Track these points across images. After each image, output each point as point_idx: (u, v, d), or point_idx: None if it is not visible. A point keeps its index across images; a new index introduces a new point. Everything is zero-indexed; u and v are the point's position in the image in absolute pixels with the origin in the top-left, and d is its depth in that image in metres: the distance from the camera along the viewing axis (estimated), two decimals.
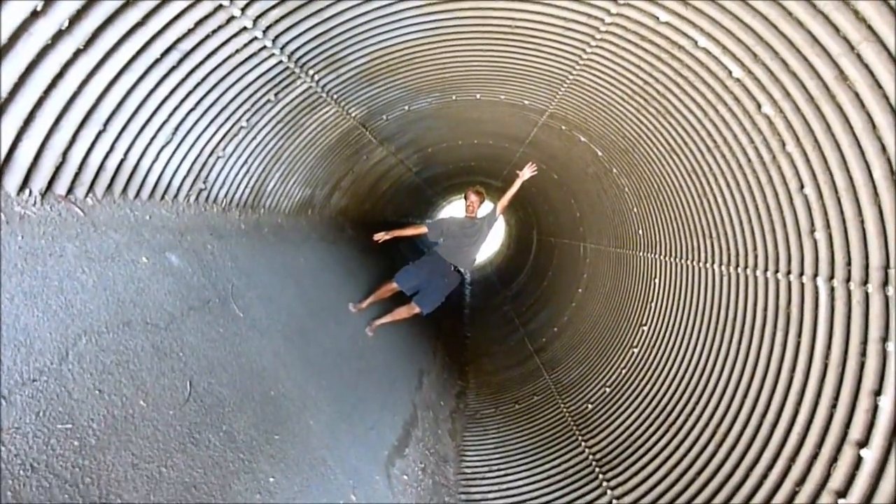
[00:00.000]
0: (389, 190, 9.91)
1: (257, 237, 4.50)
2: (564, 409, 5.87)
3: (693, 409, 3.91)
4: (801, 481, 2.77)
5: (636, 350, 5.50)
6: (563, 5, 3.49)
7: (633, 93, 4.11)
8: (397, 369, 5.84)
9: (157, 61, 2.77)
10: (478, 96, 5.48)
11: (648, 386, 4.83)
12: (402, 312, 5.50)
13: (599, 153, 5.66)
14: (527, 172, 5.24)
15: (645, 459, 3.98)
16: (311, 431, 3.25)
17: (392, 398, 5.11)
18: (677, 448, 3.76)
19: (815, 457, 2.75)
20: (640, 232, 5.74)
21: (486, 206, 5.62)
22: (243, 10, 2.96)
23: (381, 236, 5.13)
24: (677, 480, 3.51)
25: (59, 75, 2.31)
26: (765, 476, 2.98)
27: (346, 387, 4.18)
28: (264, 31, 3.21)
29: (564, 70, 4.34)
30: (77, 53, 2.33)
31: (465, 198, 5.43)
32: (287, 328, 3.90)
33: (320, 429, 3.32)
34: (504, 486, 4.91)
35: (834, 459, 2.65)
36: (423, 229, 5.48)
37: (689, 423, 3.82)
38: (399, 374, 5.78)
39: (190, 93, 3.12)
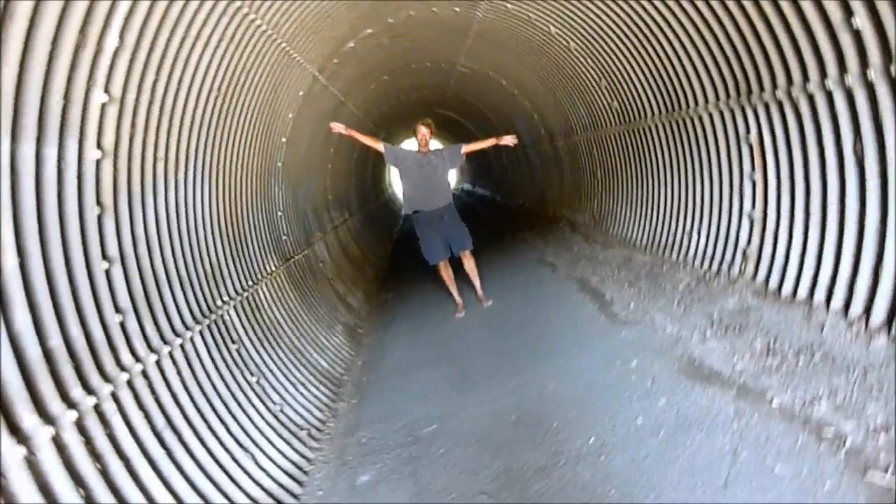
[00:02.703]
0: (371, 241, 9.69)
1: (367, 385, 4.35)
2: (642, 139, 5.66)
3: None
4: None
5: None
6: None
7: None
8: (535, 288, 5.77)
9: None
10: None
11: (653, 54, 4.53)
12: (470, 269, 5.46)
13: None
14: (505, 140, 5.27)
15: None
16: (591, 408, 3.12)
17: (560, 309, 4.97)
18: None
19: None
20: None
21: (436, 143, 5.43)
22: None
23: (336, 126, 5.07)
24: None
25: None
26: None
27: (545, 350, 4.07)
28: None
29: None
30: None
31: (416, 133, 5.20)
32: (463, 400, 3.71)
33: (592, 396, 3.22)
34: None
35: None
36: (380, 146, 5.33)
37: None
38: (541, 293, 5.61)
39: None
